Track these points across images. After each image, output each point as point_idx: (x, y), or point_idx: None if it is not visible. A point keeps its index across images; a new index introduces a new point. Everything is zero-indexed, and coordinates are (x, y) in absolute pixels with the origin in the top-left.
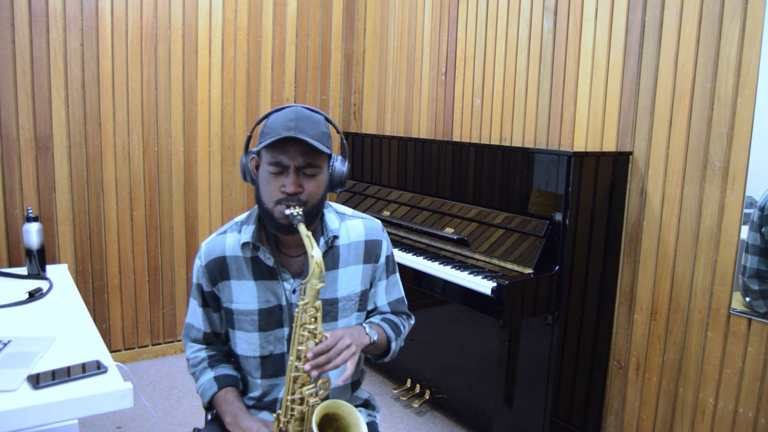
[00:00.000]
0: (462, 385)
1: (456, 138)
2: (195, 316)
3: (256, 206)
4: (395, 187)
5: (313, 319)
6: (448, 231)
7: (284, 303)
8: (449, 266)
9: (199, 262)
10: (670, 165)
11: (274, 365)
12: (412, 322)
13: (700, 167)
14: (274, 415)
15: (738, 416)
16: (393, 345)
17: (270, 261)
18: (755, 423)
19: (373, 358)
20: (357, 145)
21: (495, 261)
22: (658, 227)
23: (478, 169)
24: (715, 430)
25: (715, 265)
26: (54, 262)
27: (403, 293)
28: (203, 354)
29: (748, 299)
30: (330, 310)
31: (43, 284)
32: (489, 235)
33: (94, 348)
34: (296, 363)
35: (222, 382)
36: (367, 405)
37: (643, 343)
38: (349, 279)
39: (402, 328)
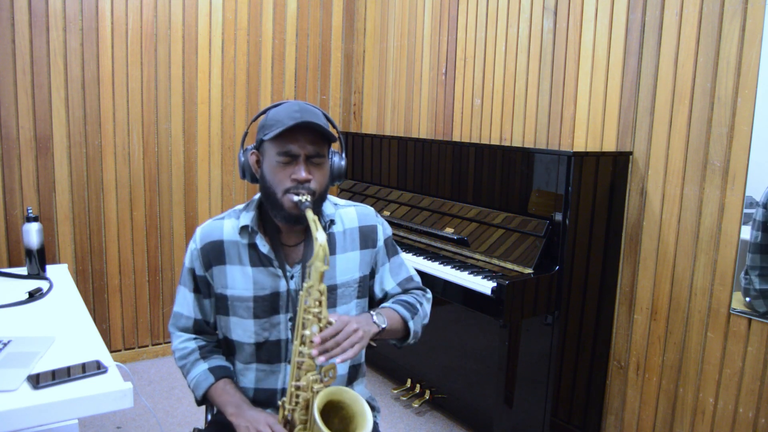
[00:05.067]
0: (462, 385)
1: (456, 138)
2: (185, 303)
3: (256, 195)
4: (395, 187)
5: (317, 303)
6: (448, 231)
7: (282, 290)
8: (449, 266)
9: (193, 245)
10: (670, 165)
11: (269, 352)
12: (429, 296)
13: (700, 167)
14: (280, 402)
15: (738, 416)
16: (411, 324)
17: (265, 248)
18: (755, 423)
19: (398, 342)
20: (357, 145)
21: (495, 261)
22: (658, 227)
23: (478, 169)
24: (715, 430)
25: (715, 265)
26: (54, 262)
27: (412, 271)
28: (193, 345)
29: (748, 299)
30: (328, 296)
31: (43, 284)
32: (489, 235)
33: (94, 348)
34: (301, 348)
35: (218, 373)
36: None
37: (643, 343)
38: (347, 265)
39: (419, 305)
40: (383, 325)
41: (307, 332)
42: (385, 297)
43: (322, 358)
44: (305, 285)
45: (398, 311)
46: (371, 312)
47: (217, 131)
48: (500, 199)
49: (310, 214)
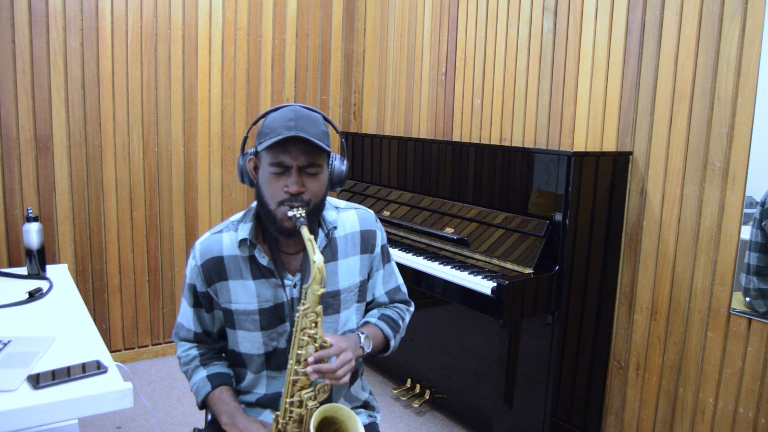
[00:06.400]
0: (462, 385)
1: (456, 138)
2: (185, 316)
3: (253, 204)
4: (395, 187)
5: (313, 324)
6: (448, 231)
7: (285, 300)
8: (449, 266)
9: (194, 262)
10: (670, 165)
11: (277, 360)
12: (412, 309)
13: (700, 167)
14: (273, 415)
15: (738, 416)
16: (392, 343)
17: (264, 260)
18: (755, 423)
19: (374, 354)
20: (357, 145)
21: (495, 261)
22: (658, 227)
23: (478, 169)
24: (715, 430)
25: (715, 265)
26: (54, 262)
27: (400, 281)
28: (194, 352)
29: (748, 299)
30: (332, 302)
31: (43, 284)
32: (489, 235)
33: (94, 348)
34: (296, 366)
35: (215, 381)
36: (366, 405)
37: (643, 343)
38: (349, 270)
39: (400, 321)
40: (368, 350)
41: (302, 352)
42: (372, 302)
43: (315, 376)
44: (301, 307)
45: (383, 330)
46: (359, 334)
47: (217, 131)
48: (500, 199)
49: (305, 233)
